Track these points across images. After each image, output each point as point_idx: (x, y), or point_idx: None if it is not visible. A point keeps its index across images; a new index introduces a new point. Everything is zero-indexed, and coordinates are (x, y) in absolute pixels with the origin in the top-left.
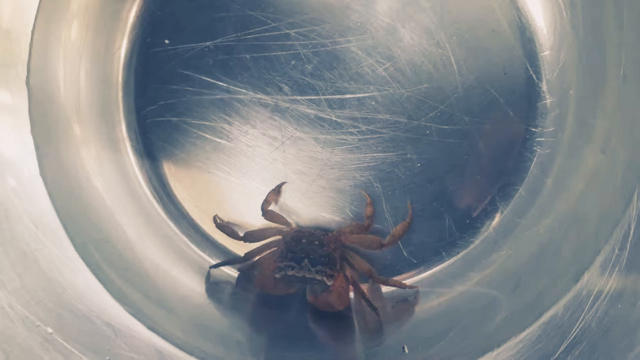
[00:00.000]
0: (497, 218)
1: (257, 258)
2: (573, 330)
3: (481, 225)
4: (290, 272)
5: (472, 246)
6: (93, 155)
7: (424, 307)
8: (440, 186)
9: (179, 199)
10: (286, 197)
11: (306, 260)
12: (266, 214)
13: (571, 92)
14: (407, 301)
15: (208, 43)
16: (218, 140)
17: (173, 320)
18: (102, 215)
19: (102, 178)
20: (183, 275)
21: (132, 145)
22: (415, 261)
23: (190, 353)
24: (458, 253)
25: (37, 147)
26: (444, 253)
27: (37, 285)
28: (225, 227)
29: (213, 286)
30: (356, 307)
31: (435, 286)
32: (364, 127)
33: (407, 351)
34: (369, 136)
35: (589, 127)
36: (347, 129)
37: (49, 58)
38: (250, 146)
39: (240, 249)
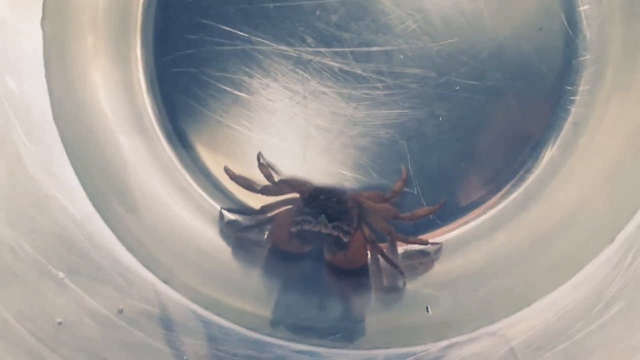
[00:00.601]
0: (528, 179)
1: (274, 212)
2: (609, 290)
3: (510, 185)
4: (307, 227)
5: (499, 207)
6: (110, 107)
7: (448, 267)
8: (469, 145)
9: (198, 152)
10: (308, 154)
11: (323, 215)
12: (279, 184)
13: (610, 48)
14: (429, 257)
15: None
16: (238, 93)
17: (188, 272)
18: (117, 165)
19: (118, 129)
20: (199, 228)
21: (149, 96)
22: (439, 222)
23: (206, 307)
24: (485, 214)
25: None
26: (470, 213)
27: (49, 230)
28: (240, 179)
29: (228, 239)
30: (372, 267)
31: (459, 247)
32: (390, 82)
33: (430, 312)
34: (396, 91)
35: (626, 86)
36: (373, 83)
37: None
38: (270, 100)
39: (257, 203)
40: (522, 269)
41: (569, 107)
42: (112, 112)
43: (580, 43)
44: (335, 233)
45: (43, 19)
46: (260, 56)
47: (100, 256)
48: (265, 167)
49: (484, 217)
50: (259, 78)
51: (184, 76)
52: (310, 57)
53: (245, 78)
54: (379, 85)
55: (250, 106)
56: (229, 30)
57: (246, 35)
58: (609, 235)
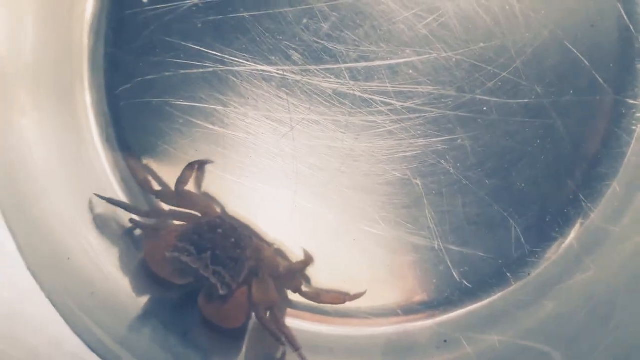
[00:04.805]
0: (581, 225)
1: (160, 221)
2: None
3: (559, 235)
4: (184, 258)
5: (547, 264)
6: (50, 154)
7: (480, 348)
8: (503, 183)
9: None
10: (298, 200)
11: (209, 253)
12: (181, 194)
13: None
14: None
15: (196, 0)
16: (210, 126)
17: None
18: (62, 230)
19: (62, 186)
20: None
21: (101, 136)
22: (469, 285)
23: None
24: (528, 274)
25: None
26: (509, 274)
27: None
28: (140, 173)
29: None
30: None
31: (494, 321)
32: (398, 105)
33: None
34: (406, 116)
35: None
36: (377, 107)
37: None
38: (250, 134)
39: None
40: (579, 347)
41: (633, 127)
42: (56, 165)
43: None
44: (212, 280)
45: None
46: (236, 79)
47: (41, 342)
48: (190, 172)
49: (526, 279)
50: (235, 107)
51: (144, 109)
52: (298, 77)
53: (219, 107)
54: (384, 109)
55: (225, 142)
56: (196, 49)
57: (218, 54)
58: None
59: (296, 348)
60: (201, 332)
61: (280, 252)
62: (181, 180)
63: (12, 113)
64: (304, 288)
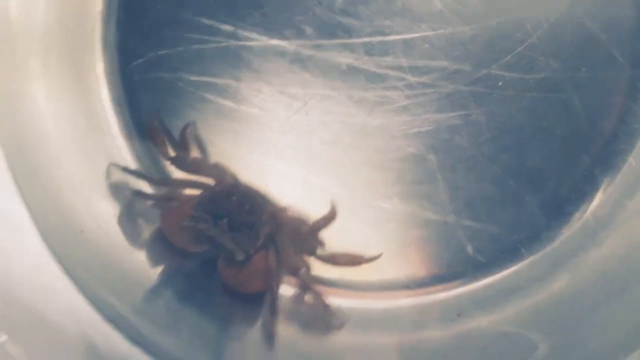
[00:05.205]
0: (598, 200)
1: (178, 191)
2: None
3: (575, 209)
4: (201, 226)
5: (562, 238)
6: (63, 124)
7: (492, 321)
8: (518, 158)
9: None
10: (310, 176)
11: (225, 220)
12: (194, 161)
13: None
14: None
15: None
16: (222, 101)
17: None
18: (76, 202)
19: (75, 157)
20: None
21: (115, 111)
22: (483, 260)
23: None
24: (543, 248)
25: None
26: (522, 249)
27: None
28: (158, 135)
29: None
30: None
31: (507, 295)
32: (413, 80)
33: None
34: (420, 91)
35: None
36: (391, 82)
37: None
38: (263, 109)
39: None
40: (592, 321)
41: None
42: (69, 136)
43: None
44: (230, 246)
45: None
46: (249, 54)
47: (56, 312)
48: (186, 135)
49: (540, 254)
50: (248, 82)
51: (157, 84)
52: (311, 52)
53: (232, 82)
54: (399, 84)
55: (238, 117)
56: (209, 24)
57: (231, 28)
58: None
59: (325, 306)
60: (218, 302)
61: (295, 217)
62: (183, 145)
63: (23, 78)
64: (319, 251)
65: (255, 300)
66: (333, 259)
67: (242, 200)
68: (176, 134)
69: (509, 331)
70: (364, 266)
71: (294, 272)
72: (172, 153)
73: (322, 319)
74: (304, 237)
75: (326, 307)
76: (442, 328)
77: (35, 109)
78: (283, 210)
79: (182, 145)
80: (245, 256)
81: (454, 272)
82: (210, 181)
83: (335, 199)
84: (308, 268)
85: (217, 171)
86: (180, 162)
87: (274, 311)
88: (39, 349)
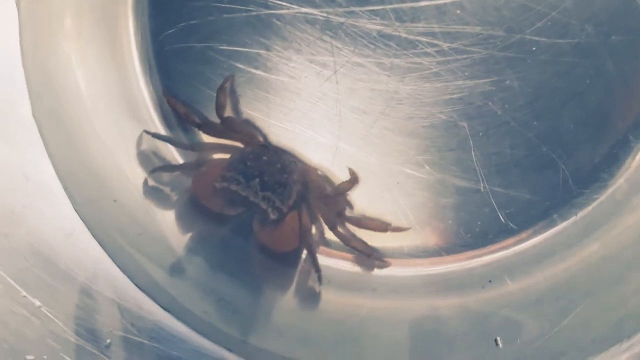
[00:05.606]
0: (632, 165)
1: (207, 155)
2: None
3: (609, 175)
4: (234, 187)
5: (594, 204)
6: (99, 99)
7: (525, 286)
8: (552, 124)
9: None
10: (341, 144)
11: (257, 180)
12: (225, 121)
13: None
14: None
15: None
16: (253, 70)
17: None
18: (108, 170)
19: (110, 124)
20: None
21: (146, 80)
22: (515, 227)
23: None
24: (575, 214)
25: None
26: (555, 215)
27: (26, 249)
28: (180, 106)
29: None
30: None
31: (541, 260)
32: (445, 46)
33: (500, 345)
34: (453, 57)
35: None
36: (423, 48)
37: None
38: (293, 77)
39: None
40: (623, 286)
41: None
42: (102, 104)
43: None
44: (263, 205)
45: None
46: (279, 23)
47: (88, 279)
48: (223, 94)
49: (573, 220)
50: (278, 50)
51: (188, 53)
52: (341, 19)
53: (262, 51)
54: (430, 50)
55: (268, 86)
56: None
57: None
58: None
59: (369, 253)
60: (253, 265)
61: (324, 176)
62: (219, 105)
63: (57, 37)
64: (347, 213)
65: (290, 261)
66: (360, 222)
67: (273, 160)
68: (208, 103)
69: (540, 298)
70: (390, 233)
71: (332, 226)
72: (196, 120)
73: (369, 260)
74: (332, 197)
75: (373, 249)
76: (473, 295)
77: (72, 75)
78: (313, 169)
79: (221, 105)
80: (279, 215)
81: (485, 239)
82: (239, 144)
83: (354, 167)
84: (343, 218)
85: (246, 131)
86: (208, 127)
87: (317, 269)
88: (73, 314)
